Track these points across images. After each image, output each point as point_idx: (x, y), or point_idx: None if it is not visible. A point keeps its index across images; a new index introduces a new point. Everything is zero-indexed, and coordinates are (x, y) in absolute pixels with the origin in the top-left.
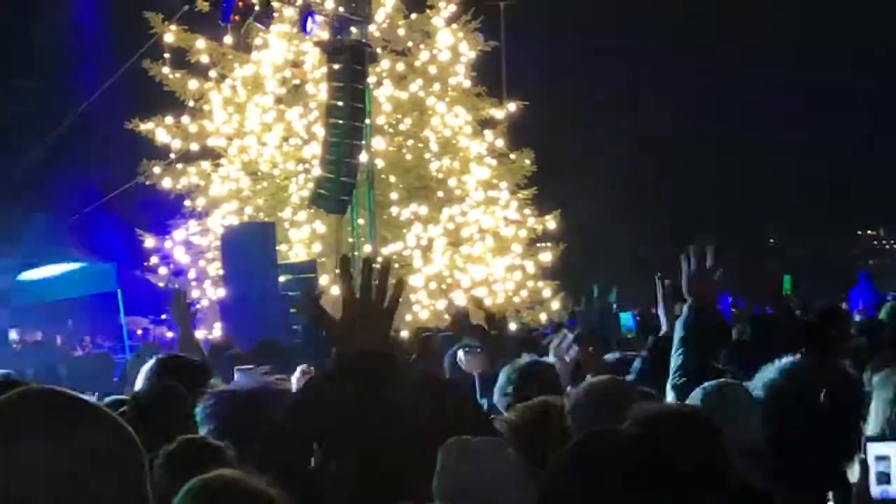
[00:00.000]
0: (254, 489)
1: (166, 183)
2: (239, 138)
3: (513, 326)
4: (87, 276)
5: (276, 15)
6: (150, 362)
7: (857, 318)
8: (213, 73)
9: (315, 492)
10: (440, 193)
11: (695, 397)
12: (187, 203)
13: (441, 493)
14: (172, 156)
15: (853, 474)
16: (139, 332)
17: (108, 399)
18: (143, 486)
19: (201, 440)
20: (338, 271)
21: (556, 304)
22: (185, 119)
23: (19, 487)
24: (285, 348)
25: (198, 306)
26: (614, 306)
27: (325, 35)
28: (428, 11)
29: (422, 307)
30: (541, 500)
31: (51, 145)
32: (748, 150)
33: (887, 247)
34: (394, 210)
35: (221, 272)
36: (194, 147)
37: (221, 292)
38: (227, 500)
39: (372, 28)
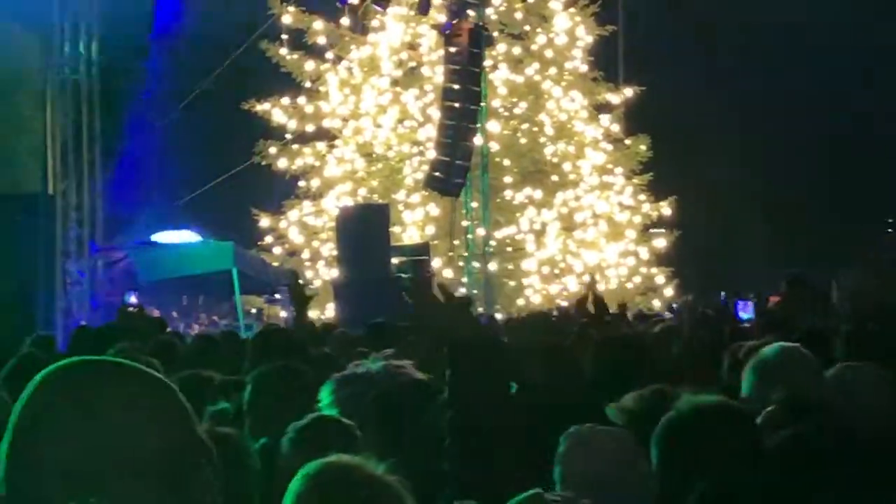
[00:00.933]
0: (372, 476)
1: (282, 163)
2: (354, 120)
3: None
4: (203, 254)
5: None
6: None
7: None
8: (329, 55)
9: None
10: (554, 178)
11: None
12: (302, 184)
13: (563, 480)
14: (288, 136)
15: None
16: (253, 311)
17: (229, 378)
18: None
19: (332, 419)
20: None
21: (669, 291)
22: (302, 100)
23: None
24: (398, 331)
25: (312, 287)
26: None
27: (442, 18)
28: None
29: (534, 291)
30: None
31: (168, 126)
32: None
33: None
34: (507, 194)
35: (335, 253)
36: (310, 128)
37: (335, 273)
38: (345, 486)
39: (489, 11)
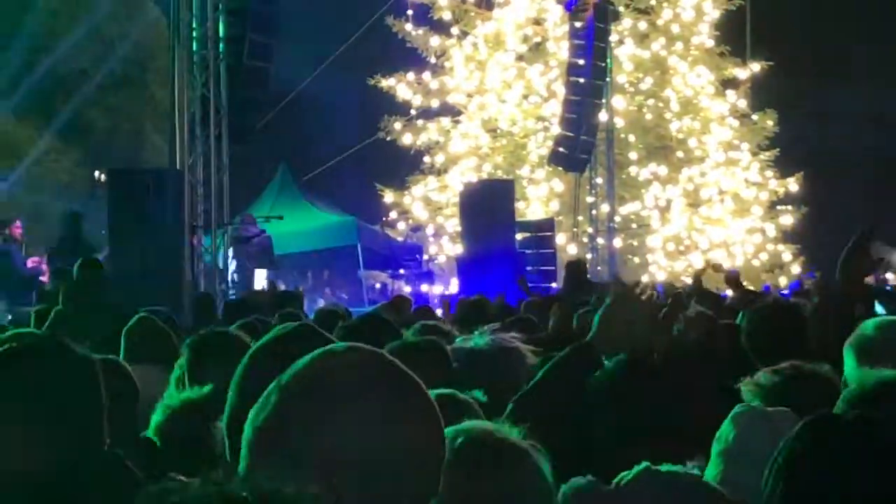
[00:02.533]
0: (511, 441)
1: (406, 139)
2: (479, 95)
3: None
4: (328, 229)
5: None
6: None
7: None
8: (455, 30)
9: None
10: (680, 154)
11: None
12: (427, 159)
13: (727, 458)
14: (413, 112)
15: None
16: (377, 286)
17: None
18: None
19: (451, 393)
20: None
21: (796, 268)
22: (427, 76)
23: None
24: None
25: (435, 262)
26: None
27: None
28: None
29: (659, 268)
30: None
31: (293, 102)
32: None
33: None
34: (632, 170)
35: (459, 229)
36: (435, 104)
37: (459, 248)
38: (485, 451)
39: None
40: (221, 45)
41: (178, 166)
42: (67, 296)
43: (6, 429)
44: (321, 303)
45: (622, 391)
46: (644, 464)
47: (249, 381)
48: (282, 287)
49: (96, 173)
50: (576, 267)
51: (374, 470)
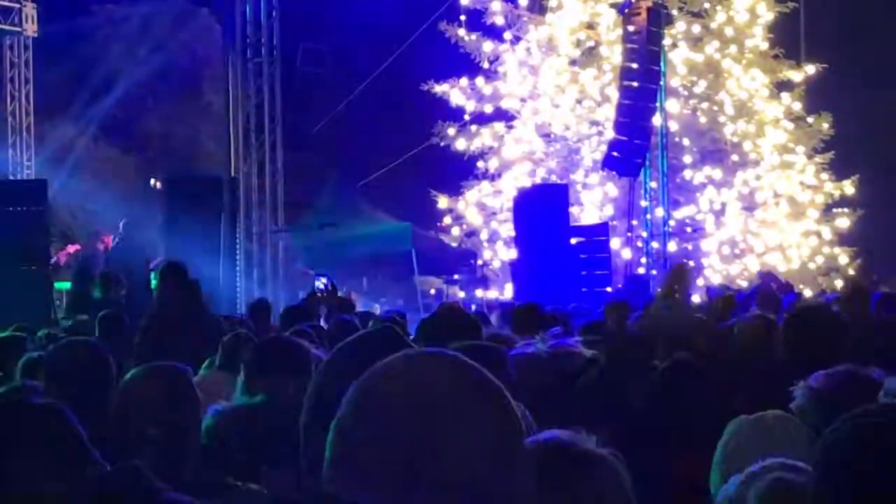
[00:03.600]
0: (587, 450)
1: (460, 144)
2: (532, 100)
3: (808, 293)
4: (382, 235)
5: None
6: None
7: None
8: (507, 35)
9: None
10: (734, 157)
11: None
12: (480, 164)
13: (726, 465)
14: (466, 117)
15: None
16: (432, 291)
17: None
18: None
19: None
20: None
21: (852, 271)
22: (480, 81)
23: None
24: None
25: (489, 267)
26: None
27: None
28: None
29: (713, 272)
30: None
31: (347, 108)
32: None
33: None
34: (687, 173)
35: (513, 234)
36: (488, 109)
37: (513, 253)
38: (561, 459)
39: None
40: (275, 53)
41: (233, 173)
42: (161, 302)
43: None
44: (376, 309)
45: (668, 394)
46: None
47: (329, 382)
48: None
49: (152, 181)
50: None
51: (454, 471)
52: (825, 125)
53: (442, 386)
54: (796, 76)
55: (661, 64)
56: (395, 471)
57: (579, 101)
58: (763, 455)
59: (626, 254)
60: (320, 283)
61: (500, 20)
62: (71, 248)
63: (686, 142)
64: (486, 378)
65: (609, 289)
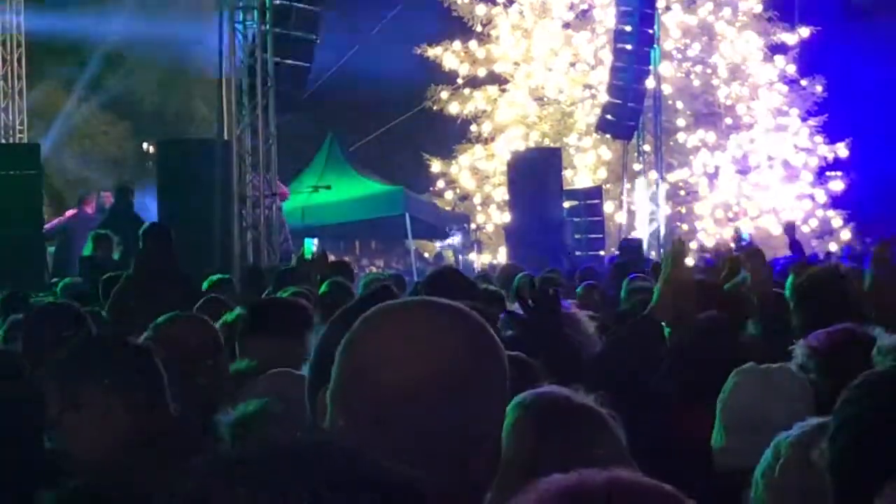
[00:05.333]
0: (586, 405)
1: (453, 108)
2: (526, 64)
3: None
4: (375, 199)
5: None
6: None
7: None
8: None
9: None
10: (728, 120)
11: None
12: (473, 128)
13: (727, 418)
14: (459, 81)
15: None
16: (425, 255)
17: None
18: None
19: (517, 357)
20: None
21: (845, 234)
22: (473, 44)
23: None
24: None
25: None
26: None
27: None
28: None
29: (707, 235)
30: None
31: (339, 71)
32: None
33: None
34: (680, 137)
35: (506, 197)
36: (481, 72)
37: (506, 217)
38: (560, 413)
39: None
40: (268, 16)
41: (225, 137)
42: (138, 265)
43: None
44: (369, 272)
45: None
46: None
47: (332, 343)
48: (330, 258)
49: (145, 145)
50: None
51: (440, 397)
52: (819, 88)
53: (425, 326)
54: (790, 39)
55: (655, 27)
56: (378, 412)
57: (573, 65)
58: (763, 406)
59: (620, 217)
60: (311, 245)
61: None
62: (69, 213)
63: (679, 105)
64: (467, 314)
65: (602, 252)
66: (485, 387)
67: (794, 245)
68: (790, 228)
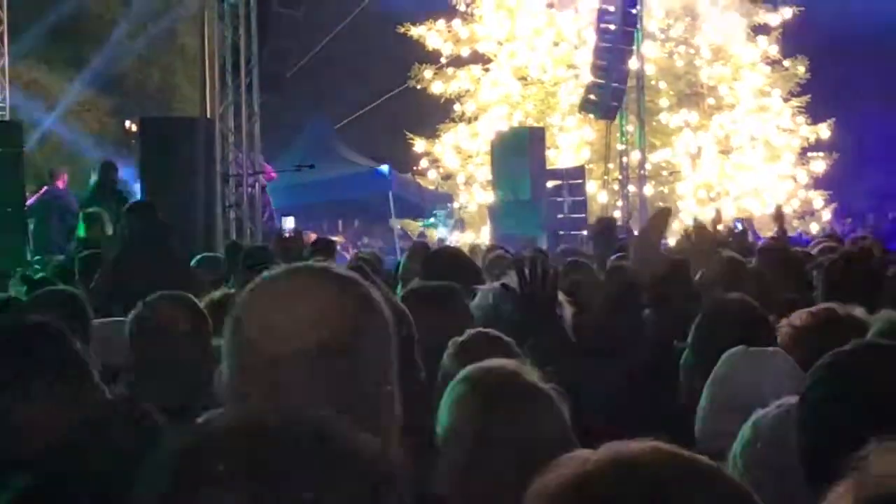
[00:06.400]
0: (531, 382)
1: (437, 87)
2: (509, 43)
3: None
4: (359, 178)
5: None
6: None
7: None
8: None
9: None
10: (711, 100)
11: None
12: (457, 108)
13: (714, 399)
14: (443, 60)
15: None
16: (410, 233)
17: None
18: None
19: (493, 334)
20: None
21: (827, 215)
22: (456, 23)
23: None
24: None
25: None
26: None
27: None
28: None
29: (689, 215)
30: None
31: (323, 50)
32: None
33: None
34: (663, 117)
35: (490, 177)
36: (465, 52)
37: (490, 196)
38: (504, 388)
39: None
40: None
41: (208, 115)
42: (126, 243)
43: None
44: (351, 251)
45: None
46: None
47: None
48: (312, 237)
49: (127, 123)
50: (605, 225)
51: (321, 361)
52: (801, 69)
53: (301, 294)
54: (773, 20)
55: (638, 7)
56: (265, 377)
57: (556, 44)
58: (754, 388)
59: (603, 197)
60: (287, 223)
61: None
62: (42, 190)
63: (663, 85)
64: (344, 278)
65: (585, 232)
66: (367, 347)
67: (781, 232)
68: (779, 216)
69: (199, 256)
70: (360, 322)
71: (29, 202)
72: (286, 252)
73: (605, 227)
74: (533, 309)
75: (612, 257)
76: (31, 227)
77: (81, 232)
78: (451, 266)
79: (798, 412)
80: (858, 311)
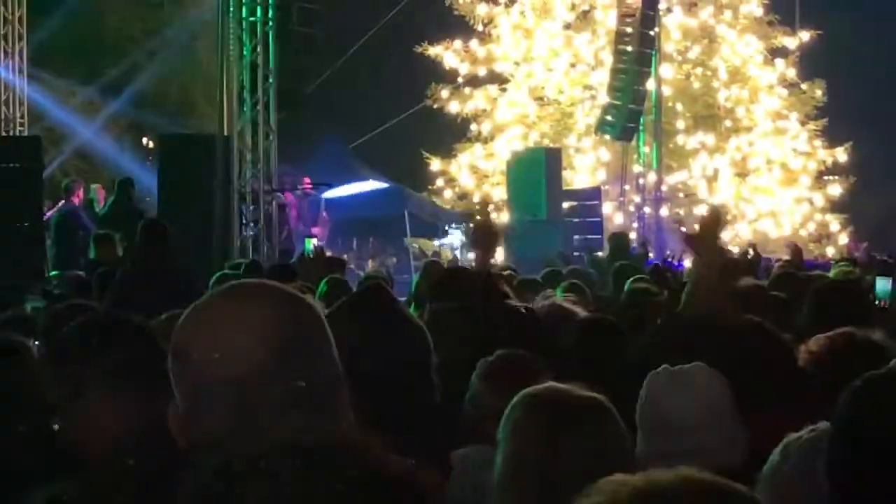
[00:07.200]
0: (590, 397)
1: (453, 107)
2: (526, 63)
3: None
4: (374, 197)
5: None
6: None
7: None
8: None
9: None
10: (728, 123)
11: None
12: (473, 127)
13: (643, 424)
14: (460, 80)
15: None
16: (424, 253)
17: None
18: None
19: (520, 354)
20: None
21: (843, 239)
22: (474, 44)
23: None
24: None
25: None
26: None
27: None
28: None
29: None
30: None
31: (341, 69)
32: None
33: None
34: (680, 139)
35: (505, 197)
36: (482, 72)
37: (505, 216)
38: (566, 406)
39: None
40: (270, 12)
41: (226, 132)
42: (134, 259)
43: None
44: (368, 269)
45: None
46: None
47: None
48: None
49: (144, 140)
50: (620, 240)
51: (256, 376)
52: (819, 92)
53: (235, 314)
54: (791, 43)
55: (656, 29)
56: (203, 392)
57: (573, 65)
58: (680, 407)
59: (619, 218)
60: (311, 244)
61: None
62: (59, 204)
63: (679, 107)
64: (278, 294)
65: (600, 253)
66: (301, 364)
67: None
68: (797, 252)
69: (218, 273)
70: (303, 326)
71: (46, 216)
72: (308, 271)
73: (618, 243)
74: None
75: (631, 279)
76: (48, 241)
77: (92, 254)
78: (459, 286)
79: (830, 438)
80: (877, 335)
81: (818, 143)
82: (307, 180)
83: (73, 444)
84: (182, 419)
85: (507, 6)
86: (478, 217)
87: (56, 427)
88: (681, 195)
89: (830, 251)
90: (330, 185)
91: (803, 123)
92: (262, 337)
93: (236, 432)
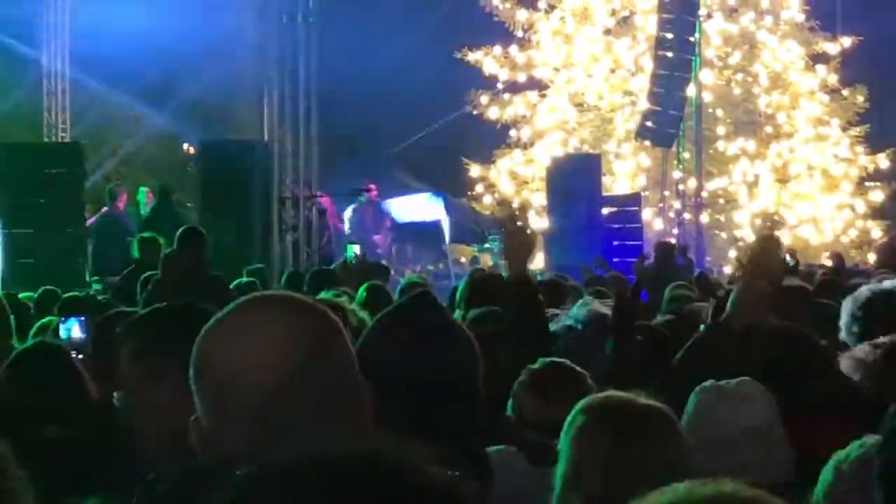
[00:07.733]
0: (650, 405)
1: (493, 113)
2: (566, 69)
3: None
4: (413, 203)
5: None
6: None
7: None
8: (542, 4)
9: None
10: (768, 129)
11: None
12: (513, 133)
13: (693, 435)
14: (500, 86)
15: None
16: (463, 260)
17: None
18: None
19: (565, 364)
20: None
21: None
22: (514, 49)
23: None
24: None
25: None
26: None
27: None
28: None
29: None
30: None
31: (380, 74)
32: None
33: None
34: (720, 145)
35: (545, 203)
36: (521, 77)
37: (545, 223)
38: (632, 416)
39: None
40: (311, 18)
41: (266, 138)
42: (166, 268)
43: None
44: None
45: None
46: None
47: (372, 345)
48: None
49: (185, 146)
50: (666, 249)
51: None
52: (860, 98)
53: (255, 327)
54: (832, 48)
55: (696, 34)
56: (226, 403)
57: (613, 71)
58: (729, 421)
59: (658, 224)
60: (353, 250)
61: None
62: (103, 210)
63: (720, 113)
64: (300, 306)
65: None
66: (324, 374)
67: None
68: (839, 260)
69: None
70: (324, 337)
71: (88, 222)
72: (349, 277)
73: (666, 251)
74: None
75: (671, 286)
76: (90, 247)
77: (136, 253)
78: (498, 293)
79: (879, 454)
80: None
81: (860, 149)
82: (373, 187)
83: (131, 425)
84: (204, 432)
85: (547, 12)
86: (510, 225)
87: (117, 403)
88: (721, 201)
89: (872, 258)
90: (368, 191)
91: (844, 129)
92: (283, 349)
93: (260, 445)
